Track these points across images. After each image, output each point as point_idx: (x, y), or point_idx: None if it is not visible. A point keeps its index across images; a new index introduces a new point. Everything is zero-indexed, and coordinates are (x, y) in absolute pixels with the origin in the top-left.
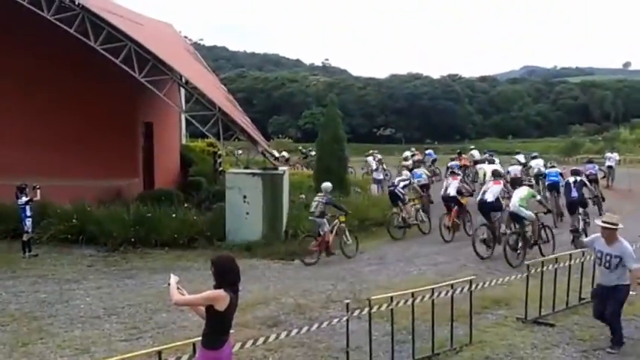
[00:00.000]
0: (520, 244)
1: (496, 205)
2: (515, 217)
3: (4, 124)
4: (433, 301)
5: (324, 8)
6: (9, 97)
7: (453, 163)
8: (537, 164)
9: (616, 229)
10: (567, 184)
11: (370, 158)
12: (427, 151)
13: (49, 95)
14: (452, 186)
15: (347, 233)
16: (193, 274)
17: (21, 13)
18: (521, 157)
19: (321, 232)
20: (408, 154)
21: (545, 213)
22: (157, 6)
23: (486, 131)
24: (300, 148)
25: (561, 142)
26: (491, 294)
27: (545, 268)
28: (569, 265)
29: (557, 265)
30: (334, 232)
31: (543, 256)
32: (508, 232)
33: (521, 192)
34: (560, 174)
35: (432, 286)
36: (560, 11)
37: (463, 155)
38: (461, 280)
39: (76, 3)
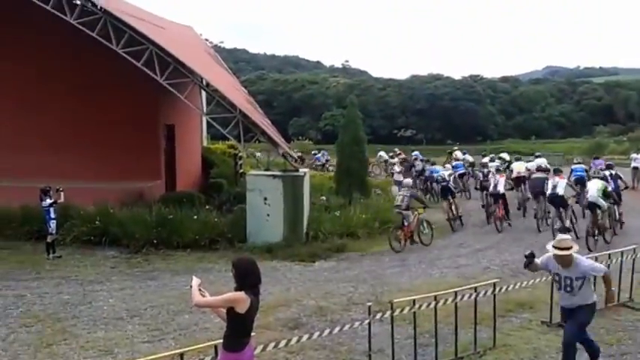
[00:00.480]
0: (596, 232)
1: (565, 198)
2: (592, 207)
3: (29, 127)
4: (456, 304)
5: (344, 10)
6: (33, 100)
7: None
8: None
9: (569, 255)
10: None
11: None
12: (414, 153)
13: (73, 98)
14: (500, 183)
15: (424, 224)
16: (215, 275)
17: (45, 17)
18: (505, 155)
19: (406, 223)
20: (382, 153)
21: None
22: (178, 9)
23: (508, 132)
24: (315, 151)
25: (585, 143)
26: (516, 297)
27: None
28: None
29: None
30: (416, 222)
31: (608, 243)
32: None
33: (597, 184)
34: (586, 170)
35: (455, 289)
36: (583, 10)
37: (454, 155)
38: (485, 283)
39: (98, 7)
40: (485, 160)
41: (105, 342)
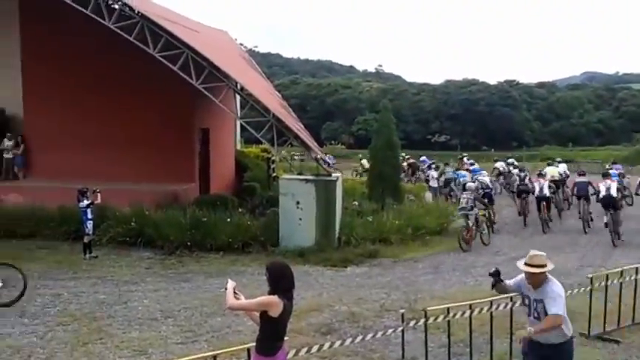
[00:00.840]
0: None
1: (617, 199)
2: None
3: (68, 129)
4: (492, 313)
5: (377, 14)
6: (72, 102)
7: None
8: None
9: (543, 272)
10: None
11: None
12: (422, 158)
13: (111, 101)
14: (545, 186)
15: (484, 225)
16: (247, 278)
17: (84, 21)
18: (513, 161)
19: (470, 224)
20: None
21: None
22: (213, 14)
23: (545, 138)
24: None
25: (624, 151)
26: None
27: (609, 282)
28: (635, 280)
29: (622, 278)
30: (477, 223)
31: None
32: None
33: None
34: (621, 174)
35: (490, 298)
36: (622, 15)
37: (464, 160)
38: None
39: (136, 11)
40: (497, 165)
41: (139, 342)
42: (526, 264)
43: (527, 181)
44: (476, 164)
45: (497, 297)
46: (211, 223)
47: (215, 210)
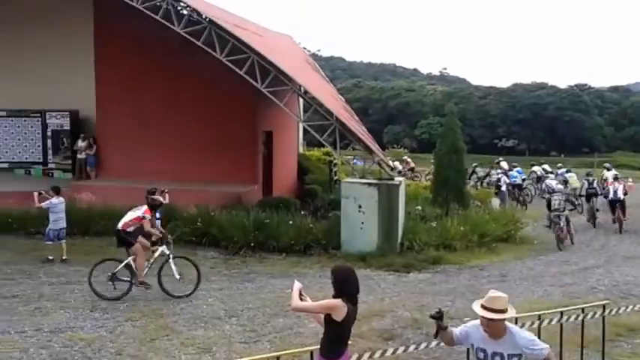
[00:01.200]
0: None
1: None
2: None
3: (137, 131)
4: (562, 325)
5: (442, 17)
6: (142, 105)
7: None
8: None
9: (502, 320)
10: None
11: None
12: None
13: (178, 104)
14: (619, 189)
15: (571, 224)
16: (309, 280)
17: (154, 27)
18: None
19: (562, 224)
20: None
21: None
22: (277, 19)
23: (618, 144)
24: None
25: None
26: (626, 321)
27: None
28: None
29: None
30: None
31: None
32: None
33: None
34: None
35: (560, 309)
36: None
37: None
38: (593, 304)
39: (204, 17)
40: (535, 169)
41: (204, 340)
42: (484, 307)
43: (595, 184)
44: (517, 168)
45: (567, 308)
46: (274, 224)
47: (278, 212)
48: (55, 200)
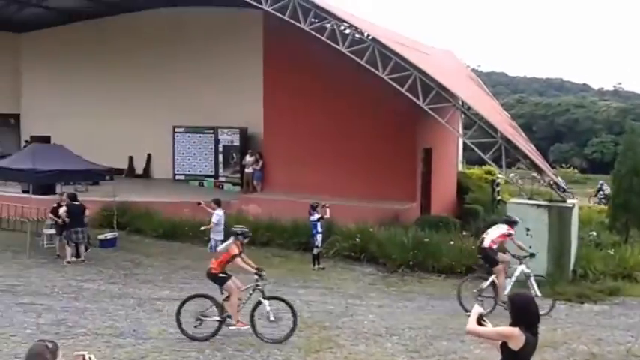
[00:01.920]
0: None
1: None
2: None
3: (301, 147)
4: None
5: (614, 28)
6: (305, 122)
7: None
8: None
9: None
10: None
11: None
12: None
13: (340, 122)
14: None
15: None
16: (472, 304)
17: (318, 47)
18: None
19: None
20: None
21: None
22: (436, 34)
23: None
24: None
25: None
26: None
27: None
28: None
29: None
30: None
31: None
32: None
33: None
34: None
35: None
36: None
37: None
38: None
39: (367, 36)
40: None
41: (366, 356)
42: None
43: None
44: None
45: None
46: (433, 244)
47: (437, 231)
48: (219, 212)
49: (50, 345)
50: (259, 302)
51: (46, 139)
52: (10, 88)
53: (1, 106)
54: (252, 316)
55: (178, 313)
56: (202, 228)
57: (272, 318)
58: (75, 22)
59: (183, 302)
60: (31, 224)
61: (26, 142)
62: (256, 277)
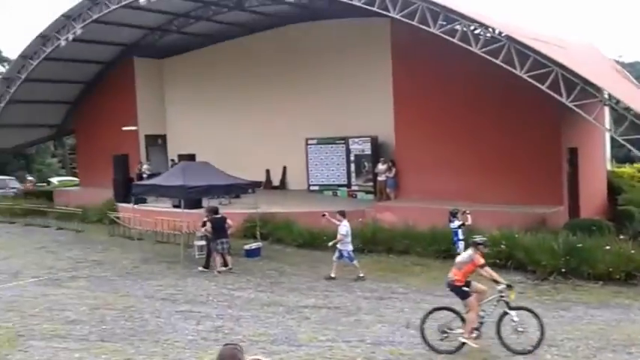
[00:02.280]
0: None
1: None
2: None
3: (435, 153)
4: None
5: None
6: (438, 128)
7: None
8: None
9: None
10: None
11: None
12: None
13: (476, 125)
14: None
15: None
16: (635, 313)
17: (449, 51)
18: None
19: None
20: None
21: None
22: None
23: None
24: None
25: None
26: None
27: None
28: None
29: None
30: None
31: None
32: None
33: None
34: None
35: None
36: None
37: None
38: None
39: (501, 34)
40: None
41: None
42: None
43: None
44: None
45: None
46: (587, 249)
47: (589, 235)
48: (346, 223)
49: (239, 347)
50: (505, 313)
51: (191, 157)
52: (156, 110)
53: (150, 128)
54: (498, 327)
55: (422, 323)
56: (330, 244)
57: (520, 329)
58: (209, 45)
59: (428, 314)
60: (184, 237)
61: (172, 160)
62: (502, 287)
